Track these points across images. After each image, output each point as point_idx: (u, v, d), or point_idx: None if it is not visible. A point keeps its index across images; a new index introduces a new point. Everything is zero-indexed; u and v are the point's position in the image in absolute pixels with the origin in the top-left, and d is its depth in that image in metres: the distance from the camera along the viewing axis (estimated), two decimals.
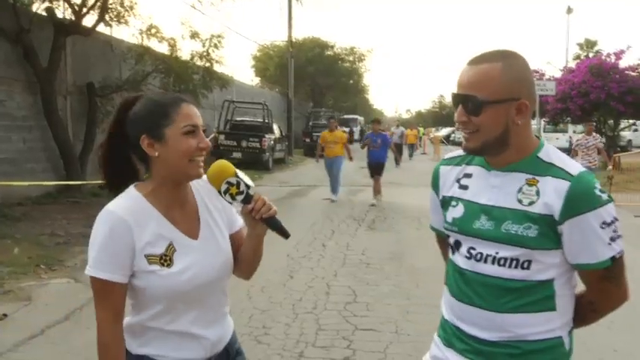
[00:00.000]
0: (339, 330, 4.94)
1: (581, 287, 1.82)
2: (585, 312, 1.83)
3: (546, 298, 1.72)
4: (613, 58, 20.61)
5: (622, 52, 20.51)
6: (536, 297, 1.71)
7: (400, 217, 11.02)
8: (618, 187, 13.25)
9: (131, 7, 13.36)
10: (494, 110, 1.68)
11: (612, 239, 1.68)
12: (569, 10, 43.13)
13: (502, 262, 1.71)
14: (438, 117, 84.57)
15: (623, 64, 20.53)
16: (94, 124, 13.17)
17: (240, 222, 1.94)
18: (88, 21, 12.77)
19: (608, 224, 1.66)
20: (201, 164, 1.77)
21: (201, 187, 1.89)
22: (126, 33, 21.01)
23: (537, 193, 1.69)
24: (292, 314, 5.35)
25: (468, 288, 1.78)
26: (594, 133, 12.59)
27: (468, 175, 1.85)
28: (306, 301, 5.73)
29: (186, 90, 14.45)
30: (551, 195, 1.66)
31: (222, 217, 1.91)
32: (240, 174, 1.75)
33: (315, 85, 47.38)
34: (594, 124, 21.76)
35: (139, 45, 14.24)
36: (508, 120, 1.70)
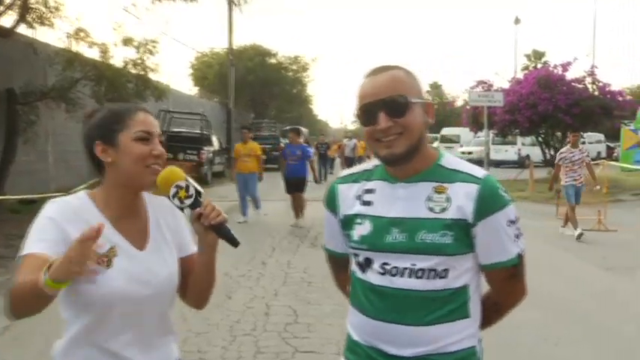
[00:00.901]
0: (279, 352, 4.92)
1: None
2: (490, 314, 1.92)
3: (462, 305, 1.80)
4: (560, 69, 21.40)
5: (569, 63, 21.30)
6: (454, 305, 1.79)
7: None
8: (565, 201, 13.65)
9: (57, 8, 13.07)
10: (416, 110, 1.77)
11: (517, 236, 1.81)
12: (517, 21, 44.51)
13: (420, 273, 1.76)
14: None
15: (570, 75, 21.38)
16: (15, 134, 12.76)
17: (193, 248, 1.92)
18: (7, 21, 12.42)
19: (513, 222, 1.80)
20: (156, 173, 1.78)
21: (155, 204, 1.91)
22: (52, 36, 20.45)
23: (447, 199, 1.77)
24: (230, 337, 5.30)
25: (386, 305, 1.80)
26: (581, 146, 11.13)
27: (369, 191, 1.89)
28: (245, 323, 5.69)
29: (120, 99, 14.20)
30: (462, 199, 1.76)
31: (174, 238, 1.92)
32: (190, 180, 1.77)
33: (257, 95, 47.29)
34: (581, 134, 22.57)
35: (67, 49, 13.91)
36: (423, 121, 1.80)
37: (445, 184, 1.79)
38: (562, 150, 11.03)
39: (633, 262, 8.47)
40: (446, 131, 41.74)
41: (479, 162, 27.07)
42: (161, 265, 1.84)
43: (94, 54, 14.62)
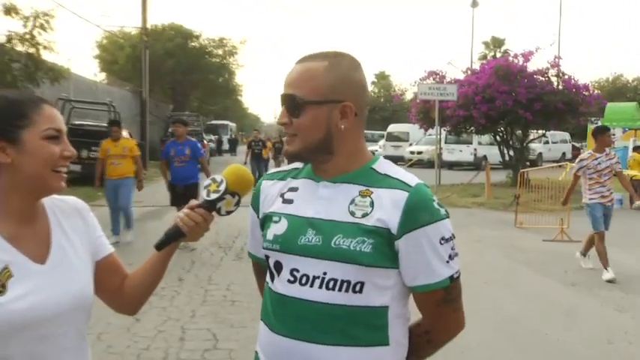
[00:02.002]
0: None
1: (414, 318, 1.96)
2: (420, 343, 1.93)
3: (379, 329, 1.81)
4: (521, 60, 21.91)
5: (531, 53, 21.79)
6: (367, 328, 1.80)
7: None
8: (526, 208, 14.07)
9: None
10: (314, 112, 1.83)
11: (450, 257, 1.83)
12: (475, 4, 45.58)
13: (331, 284, 1.78)
14: None
15: (532, 66, 21.89)
16: None
17: (108, 247, 1.99)
18: None
19: (447, 240, 1.82)
20: (65, 176, 1.79)
21: (56, 206, 1.89)
22: None
23: (371, 204, 1.81)
24: None
25: (291, 318, 1.83)
26: (609, 150, 9.41)
27: (293, 189, 1.95)
28: (155, 350, 5.60)
29: (3, 83, 13.64)
30: (387, 207, 1.79)
31: (82, 241, 1.90)
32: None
33: (177, 84, 46.84)
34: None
35: None
36: (330, 124, 1.84)
37: (372, 188, 1.84)
38: (583, 156, 9.34)
39: (599, 278, 8.72)
40: (393, 128, 42.26)
41: (430, 163, 27.61)
42: (69, 277, 1.80)
43: None
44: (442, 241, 1.80)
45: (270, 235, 1.90)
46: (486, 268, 9.27)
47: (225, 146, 52.54)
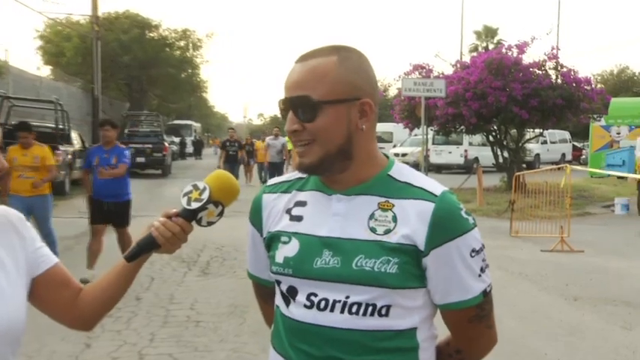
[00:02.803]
0: None
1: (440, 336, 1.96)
2: None
3: (409, 353, 1.81)
4: (516, 51, 22.03)
5: (526, 44, 21.92)
6: (395, 353, 1.79)
7: (244, 257, 11.00)
8: (522, 215, 14.16)
9: None
10: (332, 112, 1.79)
11: (482, 270, 1.85)
12: None
13: (354, 308, 1.76)
14: None
15: (527, 59, 22.01)
16: None
17: (51, 258, 1.95)
18: None
19: (477, 252, 1.82)
20: None
21: None
22: None
23: (394, 218, 1.79)
24: None
25: (311, 347, 1.80)
26: None
27: (300, 204, 1.92)
28: None
29: None
30: (412, 220, 1.78)
31: (16, 259, 1.85)
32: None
33: (133, 79, 46.66)
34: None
35: None
36: (350, 125, 1.81)
37: (392, 200, 1.81)
38: None
39: (603, 292, 8.80)
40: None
41: (415, 166, 27.68)
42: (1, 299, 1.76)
43: None
44: (473, 254, 1.81)
45: (279, 258, 1.88)
46: None
47: (189, 149, 52.47)
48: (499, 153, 23.32)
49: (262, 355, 6.12)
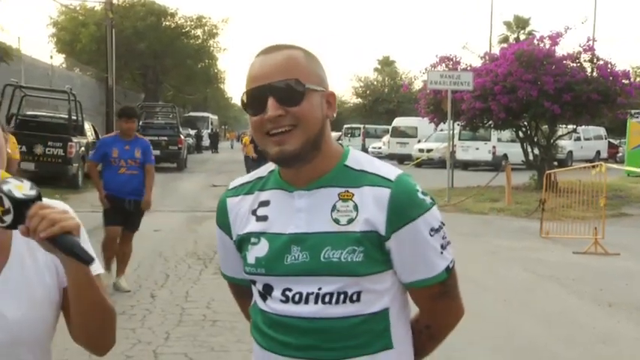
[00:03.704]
0: None
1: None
2: (423, 340, 2.09)
3: (382, 334, 1.95)
4: (548, 43, 21.82)
5: (559, 35, 21.70)
6: (369, 335, 1.93)
7: None
8: (553, 215, 14.05)
9: None
10: (313, 99, 1.92)
11: (443, 247, 1.97)
12: None
13: (327, 298, 1.91)
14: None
15: (560, 51, 21.79)
16: None
17: (94, 268, 1.87)
18: None
19: (437, 230, 1.95)
20: None
21: None
22: None
23: (355, 207, 1.92)
24: None
25: (290, 337, 1.94)
26: None
27: (264, 203, 2.03)
28: None
29: None
30: (370, 207, 1.91)
31: (47, 258, 1.82)
32: (10, 184, 1.65)
33: (148, 69, 46.88)
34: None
35: None
36: (323, 114, 1.95)
37: (351, 189, 1.94)
38: None
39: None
40: (399, 122, 42.40)
41: (441, 162, 27.58)
42: (14, 299, 1.77)
43: None
44: (432, 232, 1.93)
45: (251, 259, 2.00)
46: (503, 285, 9.28)
47: (206, 142, 52.58)
48: (529, 150, 23.16)
49: None
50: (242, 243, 2.04)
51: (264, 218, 2.00)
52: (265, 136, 1.90)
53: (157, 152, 29.87)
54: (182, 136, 32.30)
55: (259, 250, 1.98)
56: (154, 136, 29.20)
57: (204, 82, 56.78)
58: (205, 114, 58.28)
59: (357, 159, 2.00)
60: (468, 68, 22.00)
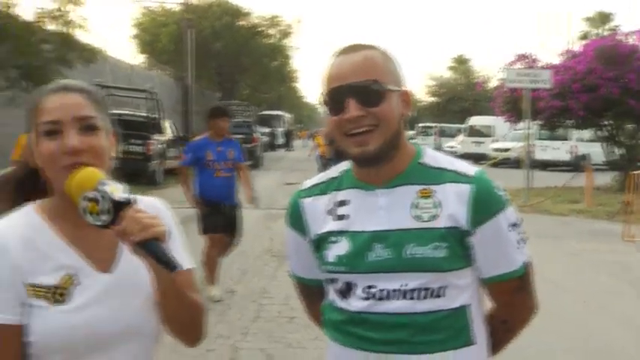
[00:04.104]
0: None
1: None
2: (499, 334, 2.12)
3: (463, 329, 1.98)
4: (634, 38, 21.22)
5: None
6: (453, 330, 1.96)
7: None
8: (637, 218, 13.60)
9: None
10: (391, 98, 1.95)
11: (519, 242, 2.01)
12: None
13: (411, 294, 1.94)
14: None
15: None
16: None
17: (185, 263, 1.94)
18: None
19: (515, 225, 2.00)
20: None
21: None
22: None
23: (437, 204, 1.96)
24: None
25: (373, 333, 1.96)
26: None
27: (342, 203, 2.06)
28: None
29: (31, 66, 13.91)
30: (453, 203, 1.95)
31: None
32: (108, 186, 1.72)
33: (225, 68, 47.37)
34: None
35: None
36: (400, 114, 1.99)
37: (431, 187, 1.98)
38: None
39: None
40: (474, 121, 41.92)
41: (518, 162, 27.12)
42: (134, 290, 1.84)
43: None
44: (511, 227, 1.98)
45: (331, 257, 2.03)
46: (583, 287, 9.10)
47: (279, 140, 52.85)
48: (612, 149, 22.63)
49: None
50: (320, 243, 2.06)
51: (343, 217, 2.03)
52: (345, 136, 1.94)
53: None
54: (256, 135, 32.55)
55: (340, 248, 2.00)
56: (230, 134, 29.48)
57: (279, 80, 57.18)
58: (279, 112, 58.55)
59: (433, 156, 2.05)
60: (547, 66, 21.60)
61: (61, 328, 1.71)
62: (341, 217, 2.03)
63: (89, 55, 15.79)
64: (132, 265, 1.83)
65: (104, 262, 1.83)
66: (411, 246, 1.92)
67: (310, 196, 2.13)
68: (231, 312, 7.43)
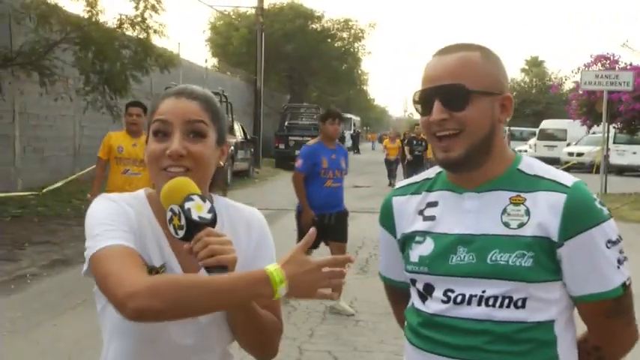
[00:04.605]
0: None
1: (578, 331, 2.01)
2: None
3: (546, 347, 1.89)
4: None
5: None
6: (533, 344, 1.88)
7: None
8: None
9: None
10: (481, 103, 1.90)
11: (619, 261, 1.89)
12: None
13: (491, 301, 1.89)
14: None
15: None
16: None
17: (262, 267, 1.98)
18: None
19: (614, 243, 1.88)
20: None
21: (227, 213, 2.02)
22: None
23: (527, 212, 1.89)
24: None
25: (450, 338, 1.93)
26: None
27: (432, 204, 2.04)
28: None
29: (112, 70, 14.26)
30: (544, 213, 1.87)
31: (248, 254, 1.97)
32: (194, 202, 1.77)
33: (295, 71, 47.65)
34: None
35: (42, 1, 14.04)
36: (493, 118, 1.93)
37: (523, 194, 1.92)
38: None
39: None
40: (547, 125, 41.32)
41: (592, 167, 26.64)
42: None
43: (77, 9, 14.77)
44: (609, 244, 1.86)
45: (414, 257, 2.01)
46: None
47: (348, 143, 52.89)
48: None
49: None
50: (406, 241, 2.06)
51: (431, 218, 2.02)
52: (433, 137, 1.94)
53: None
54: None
55: (424, 248, 1.99)
56: (298, 136, 29.65)
57: (348, 83, 57.19)
58: (348, 115, 58.51)
59: (530, 164, 1.99)
60: (628, 67, 21.13)
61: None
62: (428, 218, 2.02)
63: (165, 61, 16.07)
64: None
65: (190, 270, 1.87)
66: (496, 252, 1.87)
67: (403, 195, 2.13)
68: (297, 313, 7.45)
